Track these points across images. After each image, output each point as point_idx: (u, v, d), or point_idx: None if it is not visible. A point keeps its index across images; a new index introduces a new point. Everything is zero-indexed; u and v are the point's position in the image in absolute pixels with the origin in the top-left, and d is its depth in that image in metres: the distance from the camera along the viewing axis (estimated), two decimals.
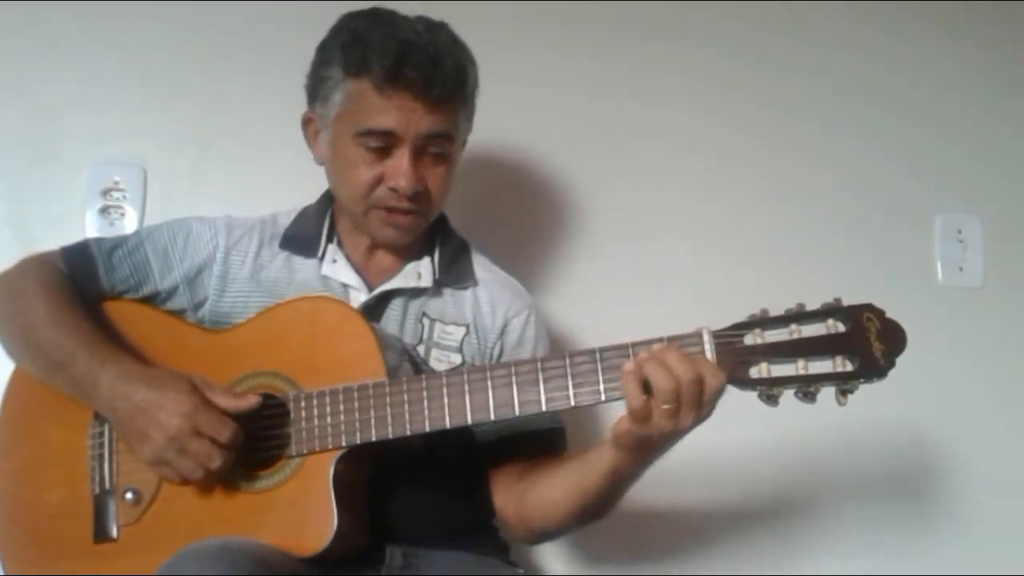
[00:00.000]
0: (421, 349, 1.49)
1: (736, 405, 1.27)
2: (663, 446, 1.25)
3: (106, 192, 1.87)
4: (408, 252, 1.55)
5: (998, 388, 2.06)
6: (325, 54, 1.47)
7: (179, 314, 1.52)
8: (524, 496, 1.44)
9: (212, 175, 1.90)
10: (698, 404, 1.18)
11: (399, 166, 1.43)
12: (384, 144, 1.42)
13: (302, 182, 1.68)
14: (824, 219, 2.06)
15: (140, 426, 1.32)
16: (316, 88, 1.49)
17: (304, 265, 1.52)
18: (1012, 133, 2.16)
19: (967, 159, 2.14)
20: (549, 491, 1.41)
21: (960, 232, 2.10)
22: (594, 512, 1.40)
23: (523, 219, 1.97)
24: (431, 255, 1.55)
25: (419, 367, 1.46)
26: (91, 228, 1.84)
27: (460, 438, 1.44)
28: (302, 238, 1.54)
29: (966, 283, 2.09)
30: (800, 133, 2.08)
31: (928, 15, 2.15)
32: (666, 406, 1.17)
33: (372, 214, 1.47)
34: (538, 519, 1.44)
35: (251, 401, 1.34)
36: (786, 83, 2.09)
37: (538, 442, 1.47)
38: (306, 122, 1.54)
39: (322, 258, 1.52)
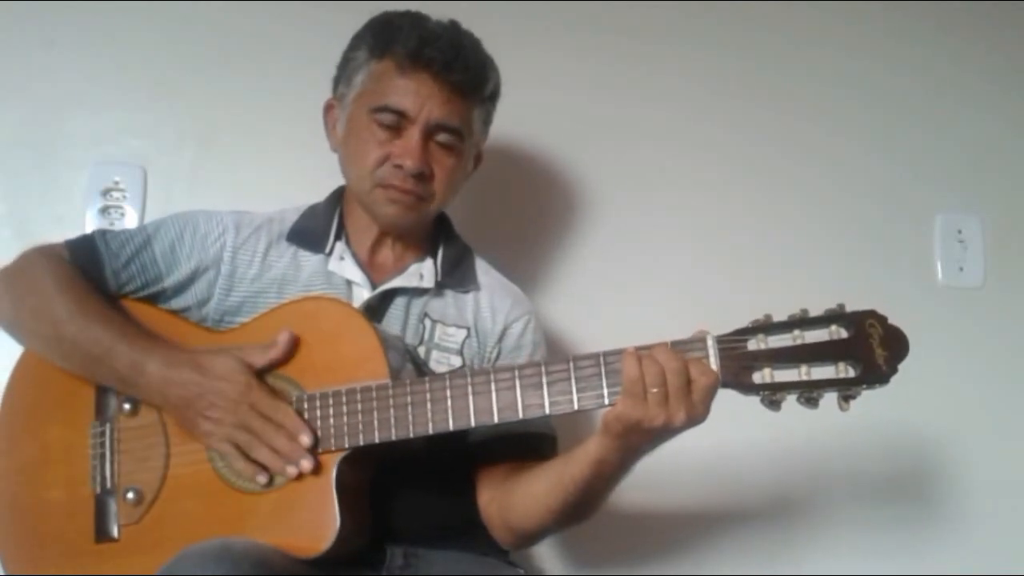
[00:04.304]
0: (422, 350, 1.49)
1: (733, 405, 1.27)
2: (651, 440, 1.24)
3: (106, 192, 1.86)
4: (411, 253, 1.56)
5: (998, 388, 2.06)
6: (356, 40, 1.53)
7: (183, 311, 1.51)
8: (509, 494, 1.43)
9: (212, 175, 1.90)
10: (687, 397, 1.19)
11: (407, 145, 1.46)
12: (396, 123, 1.46)
13: (302, 182, 1.68)
14: (824, 219, 2.07)
15: (200, 408, 1.34)
16: (342, 71, 1.54)
17: (311, 260, 1.53)
18: (1012, 133, 2.16)
19: (967, 159, 2.14)
20: (533, 486, 1.40)
21: (960, 232, 2.11)
22: (575, 508, 1.37)
23: (525, 221, 1.98)
24: (434, 257, 1.56)
25: (421, 368, 1.47)
26: (91, 228, 1.82)
27: (460, 439, 1.45)
28: (310, 233, 1.55)
29: (966, 283, 2.10)
30: (800, 133, 2.08)
31: (928, 15, 2.15)
32: (654, 389, 1.18)
33: (377, 192, 1.49)
34: (520, 516, 1.42)
35: (284, 337, 1.35)
36: (786, 83, 2.09)
37: (529, 445, 1.47)
38: (327, 108, 1.58)
39: (329, 254, 1.52)
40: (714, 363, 1.21)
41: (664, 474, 1.53)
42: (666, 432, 1.22)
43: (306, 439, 1.31)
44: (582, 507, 1.38)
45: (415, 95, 1.45)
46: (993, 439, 2.03)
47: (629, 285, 1.97)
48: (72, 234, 1.58)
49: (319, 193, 1.62)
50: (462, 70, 1.46)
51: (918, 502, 2.00)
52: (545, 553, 1.87)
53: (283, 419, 1.32)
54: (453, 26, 1.50)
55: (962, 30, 2.16)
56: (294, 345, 1.37)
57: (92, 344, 1.40)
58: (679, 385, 1.19)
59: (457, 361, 1.50)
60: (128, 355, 1.37)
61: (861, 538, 1.97)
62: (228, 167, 1.91)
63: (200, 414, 1.34)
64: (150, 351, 1.38)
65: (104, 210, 1.86)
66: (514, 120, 1.72)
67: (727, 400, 1.24)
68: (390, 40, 1.47)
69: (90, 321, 1.40)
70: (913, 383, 1.87)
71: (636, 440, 1.24)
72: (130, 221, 1.85)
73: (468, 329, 1.53)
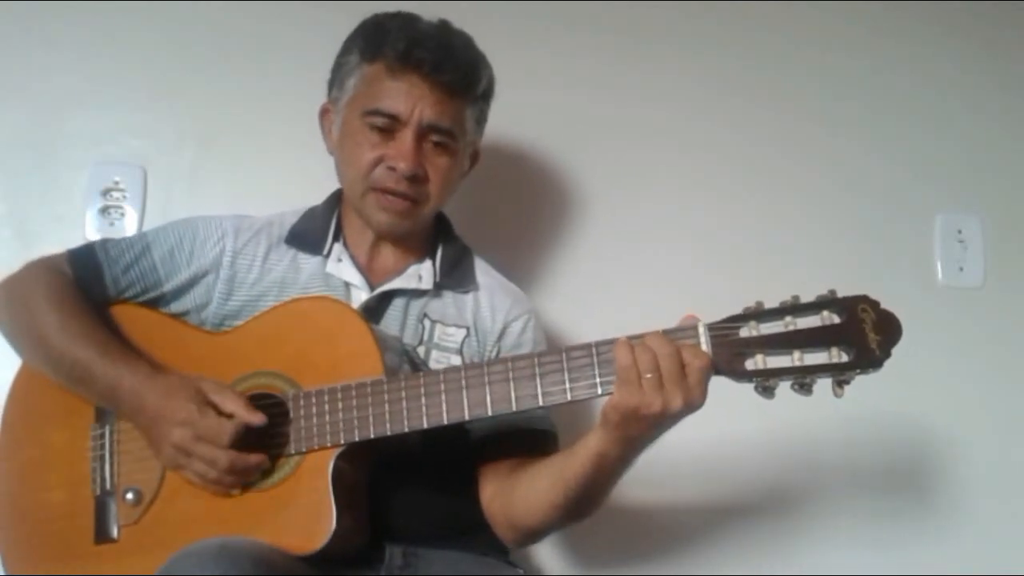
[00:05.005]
0: (421, 350, 1.50)
1: (733, 404, 1.27)
2: (650, 429, 1.23)
3: (106, 192, 1.87)
4: (410, 254, 1.57)
5: (998, 388, 2.05)
6: (348, 43, 1.53)
7: (182, 315, 1.52)
8: (512, 491, 1.44)
9: (212, 175, 1.90)
10: (682, 381, 1.19)
11: (400, 147, 1.46)
12: (389, 126, 1.46)
13: (302, 182, 1.68)
14: (824, 219, 2.06)
15: (155, 435, 1.37)
16: (335, 75, 1.54)
17: (309, 262, 1.53)
18: (1012, 133, 2.15)
19: (967, 159, 2.13)
20: (535, 482, 1.40)
21: (960, 232, 2.10)
22: (577, 504, 1.37)
23: (524, 221, 1.98)
24: (433, 258, 1.56)
25: (418, 367, 1.47)
26: (91, 228, 1.84)
27: (460, 437, 1.45)
28: (308, 235, 1.55)
29: (966, 283, 2.09)
30: (800, 133, 2.08)
31: (928, 15, 2.15)
32: (648, 375, 1.18)
33: (370, 196, 1.49)
34: (523, 513, 1.42)
35: (259, 418, 1.34)
36: (786, 83, 2.09)
37: (530, 441, 1.47)
38: (323, 112, 1.58)
39: (327, 256, 1.53)
40: (706, 350, 1.20)
41: (663, 469, 1.52)
42: (664, 418, 1.20)
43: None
44: (584, 502, 1.37)
45: (406, 97, 1.45)
46: (993, 439, 2.02)
47: (628, 285, 1.96)
48: (72, 234, 1.60)
49: (319, 194, 1.62)
50: (452, 70, 1.46)
51: (917, 500, 1.99)
52: (545, 553, 1.87)
53: (228, 442, 1.33)
54: (443, 26, 1.50)
55: (962, 30, 2.16)
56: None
57: (73, 366, 1.42)
58: (673, 369, 1.18)
59: (457, 361, 1.50)
60: (104, 380, 1.40)
61: (862, 536, 1.95)
62: (228, 167, 1.91)
63: (155, 440, 1.38)
64: (123, 376, 1.39)
65: (104, 210, 1.86)
66: (513, 120, 1.72)
67: (725, 396, 1.23)
68: (380, 43, 1.47)
69: (72, 343, 1.42)
70: (913, 383, 1.89)
71: (635, 429, 1.23)
72: (130, 221, 1.86)
73: (468, 329, 1.53)
